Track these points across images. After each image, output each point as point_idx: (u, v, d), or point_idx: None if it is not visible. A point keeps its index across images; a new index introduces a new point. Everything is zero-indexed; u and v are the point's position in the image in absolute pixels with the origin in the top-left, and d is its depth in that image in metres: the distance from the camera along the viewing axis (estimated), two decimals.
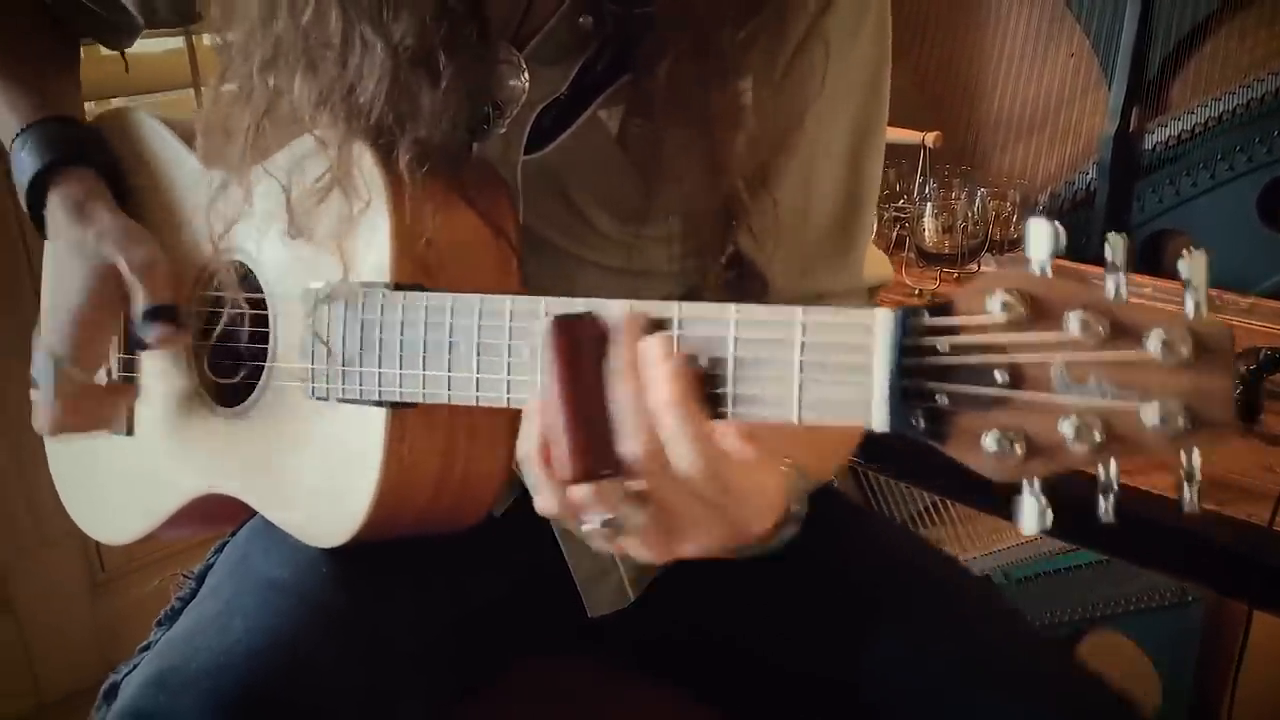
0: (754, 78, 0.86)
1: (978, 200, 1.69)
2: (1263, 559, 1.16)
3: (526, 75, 0.84)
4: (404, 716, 0.84)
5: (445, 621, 0.92)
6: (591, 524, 0.65)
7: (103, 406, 0.99)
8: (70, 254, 0.94)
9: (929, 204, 1.71)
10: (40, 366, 0.95)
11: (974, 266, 1.76)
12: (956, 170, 1.80)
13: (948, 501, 1.83)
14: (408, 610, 0.89)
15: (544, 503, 0.67)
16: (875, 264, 1.03)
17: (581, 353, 0.64)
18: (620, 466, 0.63)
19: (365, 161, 0.81)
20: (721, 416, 0.62)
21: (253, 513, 0.94)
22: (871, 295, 1.02)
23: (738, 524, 0.67)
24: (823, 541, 0.98)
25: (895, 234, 1.75)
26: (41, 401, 0.95)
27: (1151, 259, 1.77)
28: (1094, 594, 1.69)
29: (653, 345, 0.62)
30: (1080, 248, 1.81)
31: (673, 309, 0.63)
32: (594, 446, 0.63)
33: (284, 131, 0.84)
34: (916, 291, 1.73)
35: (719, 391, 0.61)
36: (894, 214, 1.76)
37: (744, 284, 0.94)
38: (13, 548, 1.84)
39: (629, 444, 0.63)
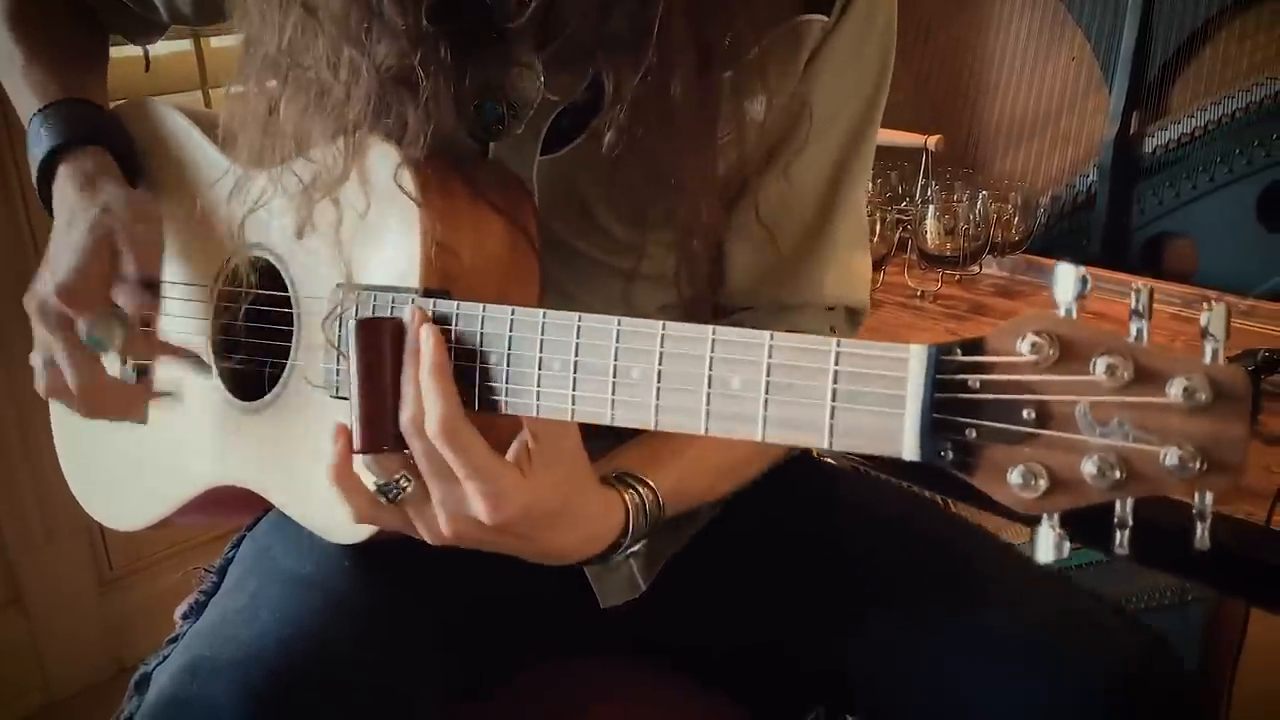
0: (765, 96, 0.88)
1: (979, 203, 1.70)
2: (1260, 557, 1.18)
3: (542, 79, 0.86)
4: (421, 710, 0.86)
5: (462, 616, 0.94)
6: (373, 489, 0.77)
7: (120, 398, 0.99)
8: (74, 224, 0.95)
9: (931, 206, 1.71)
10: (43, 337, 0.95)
11: (975, 269, 1.78)
12: (958, 173, 1.81)
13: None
14: (425, 606, 0.91)
15: (335, 474, 0.78)
16: (853, 285, 1.03)
17: (380, 346, 0.75)
18: (402, 443, 0.75)
19: (386, 164, 0.82)
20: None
21: (265, 503, 0.96)
22: (853, 318, 1.04)
23: (516, 526, 0.76)
24: (820, 518, 1.02)
25: (897, 236, 1.76)
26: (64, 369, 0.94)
27: (1151, 261, 1.79)
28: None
29: (424, 327, 0.74)
30: (1081, 250, 1.83)
31: (707, 331, 0.65)
32: (377, 422, 0.75)
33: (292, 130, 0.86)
34: (919, 293, 1.75)
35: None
36: (896, 216, 1.77)
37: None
38: (22, 545, 1.85)
39: (403, 415, 0.74)
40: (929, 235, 1.72)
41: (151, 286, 0.95)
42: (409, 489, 0.76)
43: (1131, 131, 1.77)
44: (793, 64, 0.91)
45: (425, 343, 0.74)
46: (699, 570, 0.97)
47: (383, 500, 0.77)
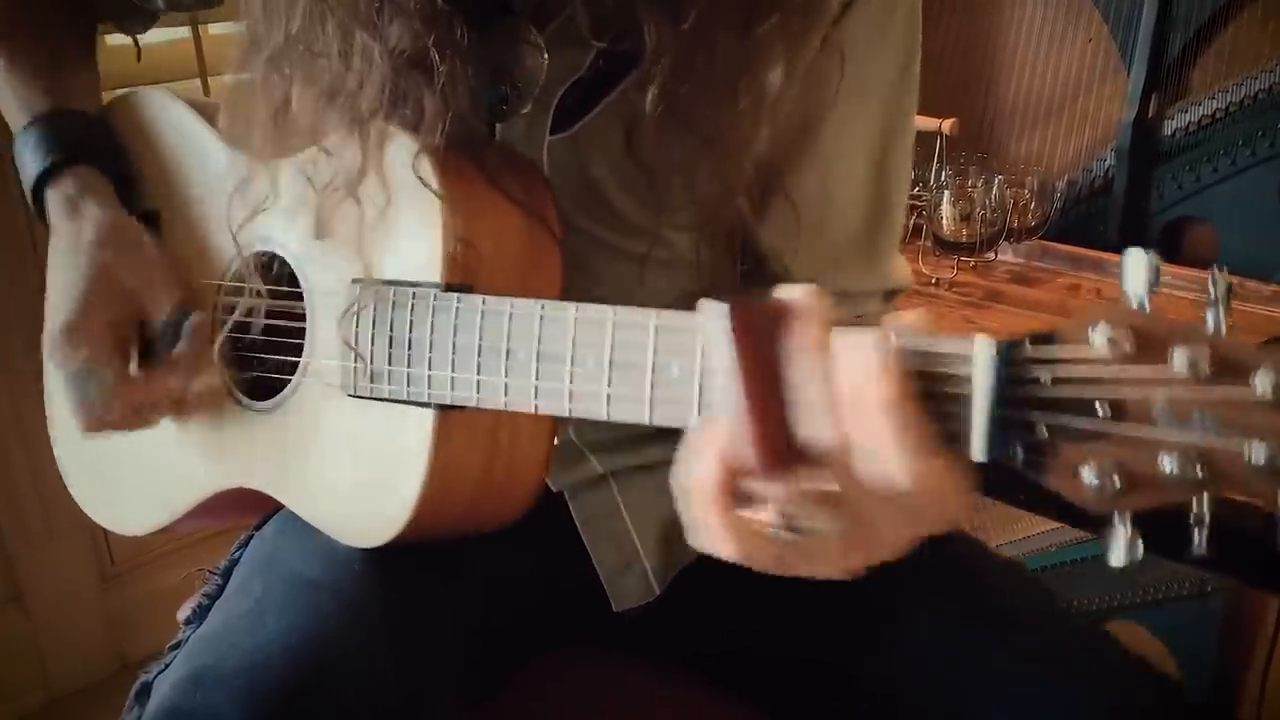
0: (778, 72, 0.85)
1: (995, 188, 1.67)
2: None
3: (546, 55, 0.83)
4: (436, 715, 0.84)
5: (475, 619, 0.92)
6: (771, 521, 0.60)
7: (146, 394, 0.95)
8: (66, 252, 0.93)
9: (946, 192, 1.69)
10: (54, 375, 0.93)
11: (991, 255, 1.75)
12: (973, 158, 1.78)
13: None
14: (438, 609, 0.89)
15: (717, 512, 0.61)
16: (896, 268, 1.02)
17: (761, 338, 0.58)
18: (803, 460, 0.58)
19: (403, 154, 0.79)
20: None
21: (272, 504, 0.93)
22: (889, 299, 1.01)
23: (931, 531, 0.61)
24: None
25: (912, 222, 1.73)
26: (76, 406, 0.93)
27: (1170, 247, 1.76)
28: (1112, 584, 1.68)
29: (866, 335, 0.56)
30: (1098, 235, 1.80)
31: None
32: (775, 436, 0.58)
33: (306, 123, 0.84)
34: (934, 280, 1.73)
35: None
36: (911, 202, 1.74)
37: (763, 277, 0.94)
38: (22, 541, 1.84)
39: (818, 433, 0.57)
40: (944, 221, 1.70)
41: (184, 315, 0.93)
42: (822, 525, 0.60)
43: (1150, 114, 1.74)
44: (817, 25, 0.88)
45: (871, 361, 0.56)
46: (711, 575, 0.95)
47: (787, 536, 0.61)
